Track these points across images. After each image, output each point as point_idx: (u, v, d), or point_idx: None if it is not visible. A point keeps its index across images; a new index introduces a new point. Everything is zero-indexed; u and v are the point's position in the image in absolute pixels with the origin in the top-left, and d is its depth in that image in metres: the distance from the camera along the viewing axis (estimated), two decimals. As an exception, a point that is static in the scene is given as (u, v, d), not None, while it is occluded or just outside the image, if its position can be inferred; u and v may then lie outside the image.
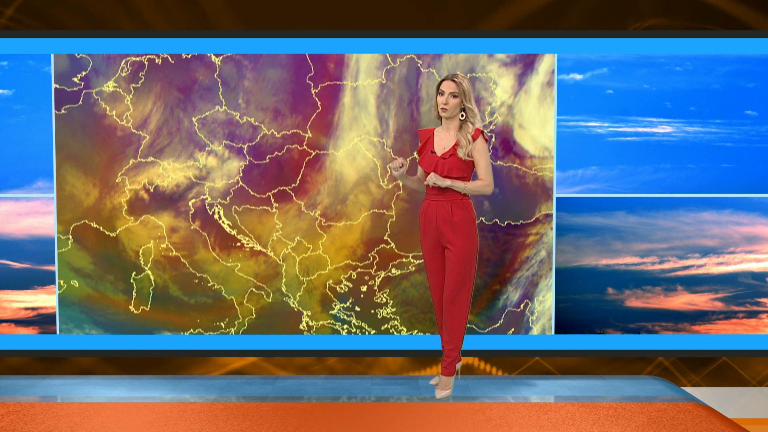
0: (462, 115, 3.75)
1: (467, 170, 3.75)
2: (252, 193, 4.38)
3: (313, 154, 4.37)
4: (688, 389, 4.39)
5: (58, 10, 4.35)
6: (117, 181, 4.37)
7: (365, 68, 4.34)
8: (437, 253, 3.83)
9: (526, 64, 4.34)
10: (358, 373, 4.48)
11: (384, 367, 4.50)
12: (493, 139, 4.34)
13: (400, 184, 4.36)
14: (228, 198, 4.38)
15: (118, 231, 4.38)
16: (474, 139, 3.72)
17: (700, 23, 4.35)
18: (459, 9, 4.37)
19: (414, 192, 4.33)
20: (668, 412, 3.59)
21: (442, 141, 3.78)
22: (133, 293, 4.40)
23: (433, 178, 3.70)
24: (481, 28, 4.36)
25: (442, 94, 3.72)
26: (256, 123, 4.36)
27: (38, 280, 4.40)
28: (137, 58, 4.33)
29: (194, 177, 4.37)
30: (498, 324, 4.41)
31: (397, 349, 4.42)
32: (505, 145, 4.36)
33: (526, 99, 4.35)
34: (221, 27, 4.36)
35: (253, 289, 4.41)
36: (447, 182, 3.70)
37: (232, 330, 4.41)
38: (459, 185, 3.72)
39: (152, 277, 4.40)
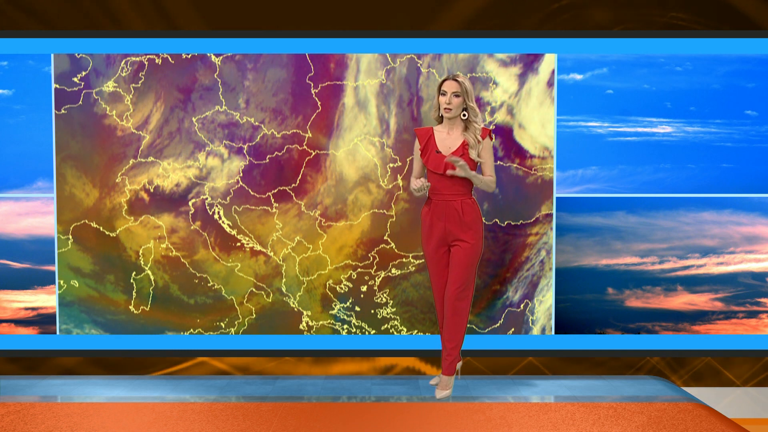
0: (464, 115, 3.75)
1: (474, 169, 3.78)
2: (252, 193, 4.38)
3: (313, 154, 4.37)
4: (688, 389, 4.39)
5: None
6: (117, 181, 4.37)
7: (365, 68, 4.34)
8: (442, 253, 3.83)
9: (526, 65, 4.34)
10: (315, 373, 4.46)
11: (341, 367, 4.49)
12: (493, 139, 4.34)
13: (400, 184, 4.36)
14: (228, 198, 4.38)
15: (118, 231, 4.38)
16: (482, 138, 3.74)
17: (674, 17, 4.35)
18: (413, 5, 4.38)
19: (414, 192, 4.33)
20: (668, 412, 3.59)
21: (445, 141, 3.79)
22: (133, 293, 4.40)
23: (458, 168, 3.65)
24: (435, 25, 4.35)
25: (444, 94, 3.72)
26: (256, 123, 4.36)
27: (38, 280, 4.40)
28: (137, 58, 4.33)
29: (194, 177, 4.37)
30: (498, 324, 4.41)
31: (397, 349, 4.42)
32: (505, 145, 4.36)
33: (526, 99, 4.35)
34: (223, 27, 4.36)
35: (253, 289, 4.41)
36: (470, 172, 3.69)
37: (232, 330, 4.41)
38: (475, 175, 3.73)
39: (152, 277, 4.40)
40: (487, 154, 3.78)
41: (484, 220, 4.35)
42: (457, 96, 3.71)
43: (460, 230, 3.75)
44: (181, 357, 4.46)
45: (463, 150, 3.74)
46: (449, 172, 3.70)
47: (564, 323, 4.41)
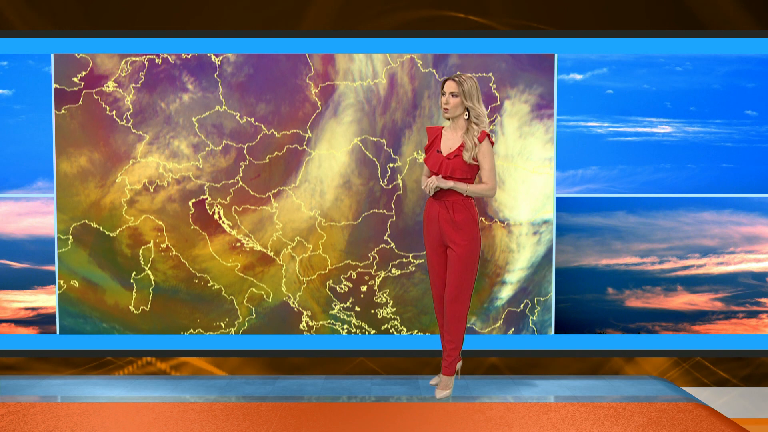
0: (466, 115, 3.74)
1: (471, 172, 3.74)
2: (252, 193, 4.38)
3: (313, 154, 4.37)
4: (688, 389, 4.39)
5: None
6: (117, 180, 4.37)
7: (365, 68, 4.34)
8: (440, 252, 3.83)
9: (526, 65, 4.34)
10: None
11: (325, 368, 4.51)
12: (493, 138, 4.33)
13: (400, 184, 4.36)
14: (228, 198, 4.38)
15: (118, 231, 4.38)
16: (480, 141, 3.71)
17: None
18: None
19: (414, 192, 4.33)
20: (668, 412, 3.59)
21: (449, 141, 3.78)
22: (133, 293, 4.40)
23: (435, 181, 3.69)
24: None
25: (444, 94, 3.72)
26: (256, 123, 4.36)
27: (38, 280, 4.40)
28: (137, 58, 4.33)
29: (194, 177, 4.37)
30: (498, 324, 4.41)
31: (397, 349, 4.42)
32: (505, 144, 4.36)
33: (525, 98, 4.35)
34: (224, 27, 4.37)
35: (253, 289, 4.41)
36: (450, 183, 3.69)
37: (232, 330, 4.41)
38: (461, 187, 3.70)
39: (152, 277, 4.40)
40: (484, 158, 3.73)
41: (483, 220, 4.35)
42: (454, 96, 3.69)
43: (453, 231, 3.74)
44: (176, 357, 4.47)
45: (458, 152, 3.73)
46: (431, 187, 3.71)
47: (564, 323, 4.41)
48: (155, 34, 4.32)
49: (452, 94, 3.69)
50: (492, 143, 3.74)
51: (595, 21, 4.39)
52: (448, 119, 3.76)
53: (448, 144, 3.77)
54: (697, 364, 4.51)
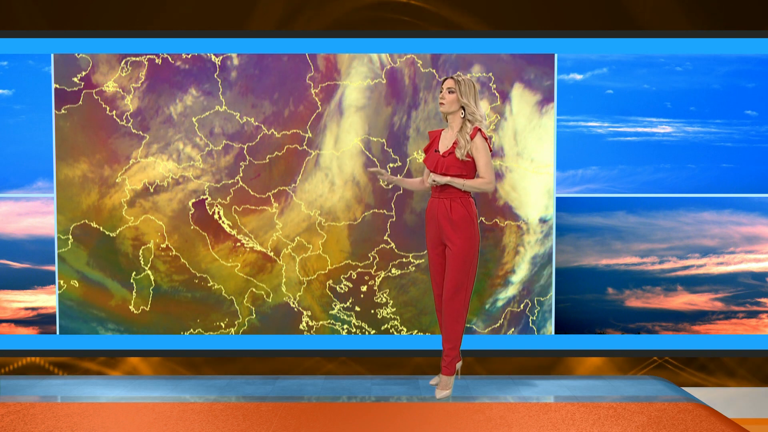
0: (462, 114, 3.76)
1: (466, 168, 3.75)
2: (252, 193, 4.38)
3: (313, 154, 4.37)
4: (688, 389, 4.39)
5: None
6: (117, 181, 4.37)
7: (365, 68, 4.34)
8: (439, 251, 3.84)
9: (526, 65, 4.34)
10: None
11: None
12: (493, 138, 4.34)
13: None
14: (228, 198, 4.38)
15: (118, 231, 4.38)
16: (472, 137, 3.73)
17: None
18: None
19: (414, 191, 4.33)
20: (668, 412, 3.59)
21: (446, 140, 3.82)
22: (133, 293, 4.40)
23: (432, 177, 3.74)
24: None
25: (442, 90, 3.77)
26: (256, 123, 4.36)
27: (38, 280, 4.40)
28: (137, 58, 4.33)
29: (194, 177, 4.37)
30: (498, 324, 4.41)
31: (397, 349, 4.41)
32: (505, 144, 4.36)
33: (527, 98, 4.35)
34: (224, 27, 4.37)
35: (253, 289, 4.41)
36: (446, 179, 3.73)
37: (232, 330, 4.41)
38: (458, 182, 3.73)
39: (152, 277, 4.40)
40: (478, 153, 3.74)
41: (483, 220, 4.35)
42: (451, 92, 3.74)
43: (451, 230, 3.76)
44: (177, 357, 4.47)
45: (452, 149, 3.76)
46: (429, 183, 3.78)
47: (564, 323, 4.41)
48: (155, 34, 4.32)
49: (449, 90, 3.74)
50: (485, 138, 3.76)
51: (595, 21, 4.40)
52: (444, 114, 3.79)
53: (445, 143, 3.82)
54: (696, 364, 4.51)
